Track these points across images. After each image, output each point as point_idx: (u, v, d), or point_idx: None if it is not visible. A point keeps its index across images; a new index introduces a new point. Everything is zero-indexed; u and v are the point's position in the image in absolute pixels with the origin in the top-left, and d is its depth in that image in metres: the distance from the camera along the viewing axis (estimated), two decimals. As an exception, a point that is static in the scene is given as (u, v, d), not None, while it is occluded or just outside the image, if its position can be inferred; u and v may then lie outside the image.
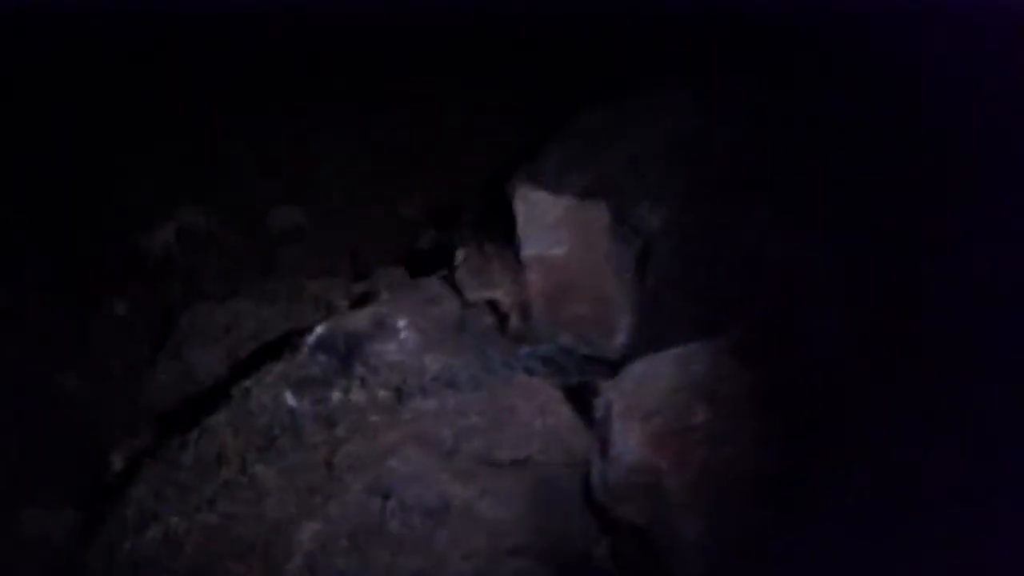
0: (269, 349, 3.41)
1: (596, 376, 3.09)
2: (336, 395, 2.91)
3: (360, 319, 3.03)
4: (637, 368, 3.05)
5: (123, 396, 4.10)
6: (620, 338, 3.42)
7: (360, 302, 3.81)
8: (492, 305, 3.23)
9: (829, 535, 2.76)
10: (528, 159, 4.08)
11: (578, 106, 4.10)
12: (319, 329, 3.02)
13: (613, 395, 2.97)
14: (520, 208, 3.42)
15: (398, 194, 5.01)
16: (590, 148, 3.88)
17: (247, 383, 2.98)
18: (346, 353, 2.98)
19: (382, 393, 2.86)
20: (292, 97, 4.84)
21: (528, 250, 3.34)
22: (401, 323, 3.01)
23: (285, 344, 3.23)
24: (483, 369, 2.98)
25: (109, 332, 4.45)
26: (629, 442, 2.91)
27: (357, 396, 2.89)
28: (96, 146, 4.79)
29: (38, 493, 3.61)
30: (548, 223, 3.42)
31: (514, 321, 3.24)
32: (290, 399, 2.89)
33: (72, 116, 4.57)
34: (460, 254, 3.36)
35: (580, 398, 3.02)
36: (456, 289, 3.26)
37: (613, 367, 3.14)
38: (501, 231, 3.42)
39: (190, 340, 3.97)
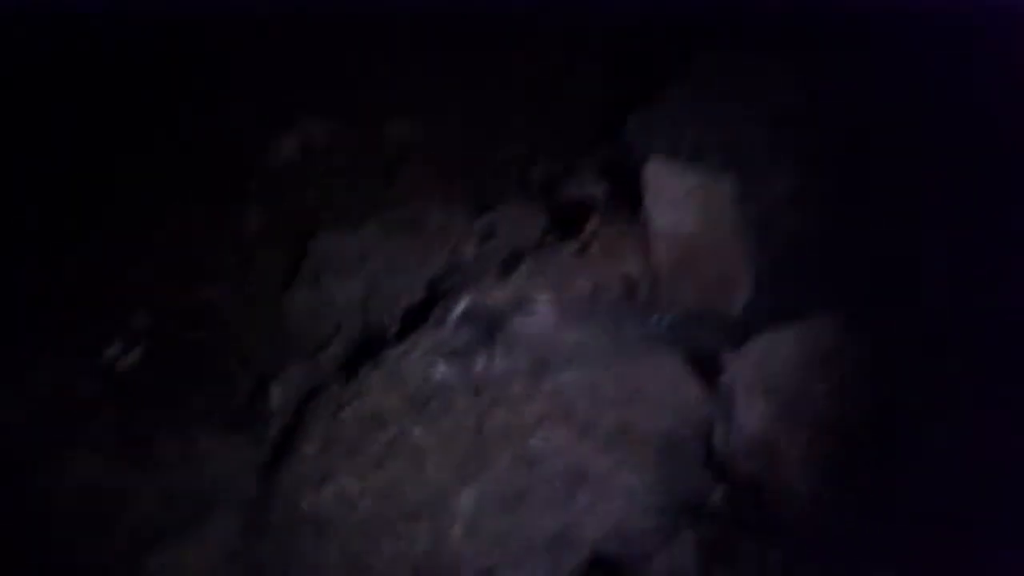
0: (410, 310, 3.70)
1: (721, 345, 3.28)
2: (480, 365, 3.19)
3: (501, 293, 3.27)
4: (761, 342, 3.24)
5: (268, 319, 4.38)
6: (742, 308, 3.60)
7: (484, 239, 4.07)
8: (622, 277, 3.43)
9: (941, 496, 2.86)
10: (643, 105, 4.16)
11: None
12: (463, 303, 3.28)
13: (737, 368, 3.19)
14: (648, 180, 3.56)
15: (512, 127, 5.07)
16: (708, 111, 3.96)
17: (398, 350, 3.27)
18: (489, 326, 3.24)
19: (523, 366, 3.13)
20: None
21: (657, 223, 3.51)
22: (540, 298, 3.24)
23: (427, 307, 3.51)
24: (615, 343, 3.21)
25: (244, 248, 4.69)
26: (751, 414, 3.14)
27: (500, 367, 3.16)
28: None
29: (207, 416, 3.95)
30: (676, 197, 3.56)
31: (643, 292, 3.44)
32: (440, 367, 3.18)
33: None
34: (590, 226, 3.55)
35: (706, 369, 3.23)
36: (587, 261, 3.46)
37: (736, 336, 3.32)
38: (627, 201, 3.57)
39: (325, 268, 4.26)
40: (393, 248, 4.23)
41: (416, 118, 5.03)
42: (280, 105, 4.99)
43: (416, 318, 3.52)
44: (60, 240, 4.51)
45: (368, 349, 3.56)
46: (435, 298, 3.80)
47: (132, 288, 4.36)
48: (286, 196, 4.79)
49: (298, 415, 3.49)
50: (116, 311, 4.37)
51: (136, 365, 4.18)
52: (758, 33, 4.11)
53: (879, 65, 3.66)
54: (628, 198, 3.42)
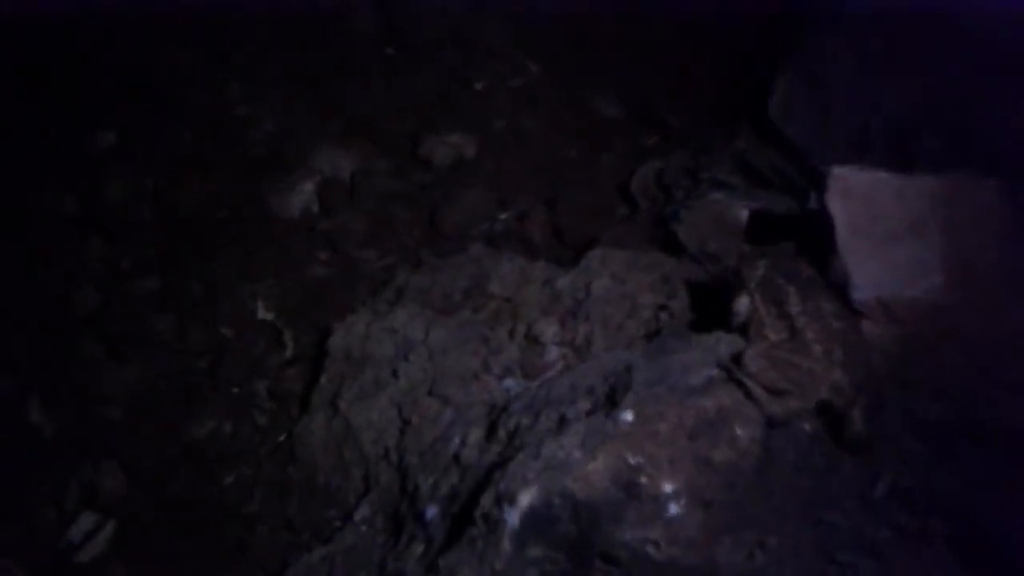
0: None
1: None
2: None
3: (598, 471, 1.71)
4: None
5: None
6: None
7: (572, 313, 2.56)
8: (813, 405, 1.81)
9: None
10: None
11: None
12: (528, 495, 1.75)
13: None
14: (839, 209, 1.89)
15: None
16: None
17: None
18: (577, 542, 1.70)
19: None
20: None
21: (864, 289, 1.84)
22: (667, 487, 1.67)
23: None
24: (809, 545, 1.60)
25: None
26: None
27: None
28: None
29: None
30: (893, 230, 1.88)
31: (853, 426, 1.81)
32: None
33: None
34: (742, 305, 1.93)
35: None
36: (741, 383, 1.85)
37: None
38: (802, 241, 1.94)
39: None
40: (438, 336, 2.75)
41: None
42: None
43: (462, 500, 2.01)
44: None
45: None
46: (494, 430, 2.31)
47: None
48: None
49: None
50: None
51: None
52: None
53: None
54: (803, 232, 1.80)
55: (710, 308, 2.40)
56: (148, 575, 2.94)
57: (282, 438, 3.11)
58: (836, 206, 1.93)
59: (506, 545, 1.80)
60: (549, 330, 2.72)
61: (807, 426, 1.85)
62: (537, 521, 1.81)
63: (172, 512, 3.06)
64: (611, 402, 2.01)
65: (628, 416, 1.83)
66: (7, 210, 3.63)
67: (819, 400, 1.84)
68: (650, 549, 1.73)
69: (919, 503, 1.78)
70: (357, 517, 2.62)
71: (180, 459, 3.19)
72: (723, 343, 1.98)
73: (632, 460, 1.76)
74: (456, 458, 2.41)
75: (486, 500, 1.91)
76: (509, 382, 2.64)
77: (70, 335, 3.44)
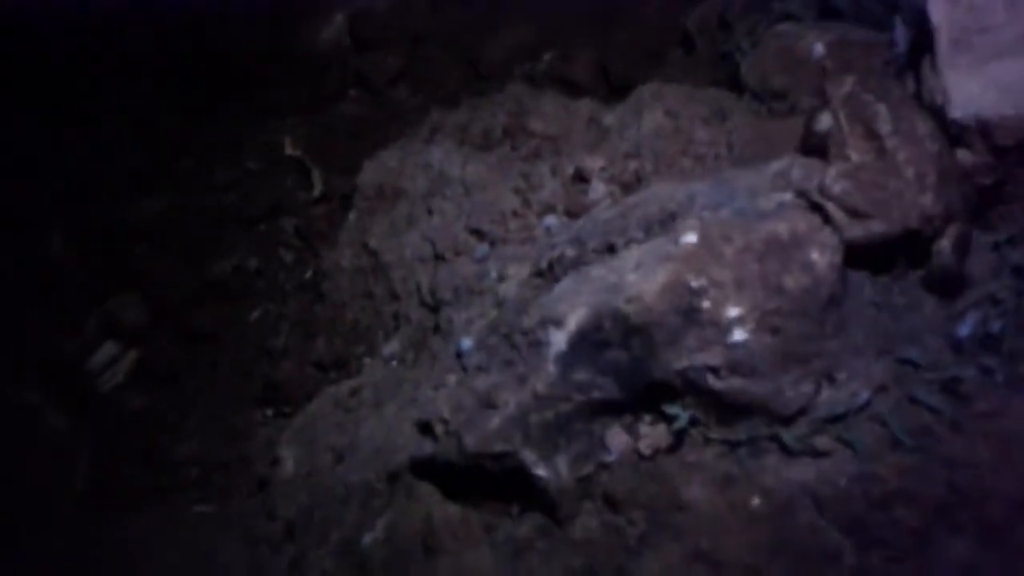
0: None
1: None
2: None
3: (648, 295, 1.55)
4: None
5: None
6: None
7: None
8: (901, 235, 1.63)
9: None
10: None
11: None
12: (571, 320, 1.60)
13: None
14: (942, 16, 1.67)
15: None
16: None
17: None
18: (627, 365, 1.56)
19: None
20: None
21: (964, 107, 1.63)
22: (732, 312, 1.52)
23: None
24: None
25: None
26: None
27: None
28: None
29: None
30: (1002, 44, 1.65)
31: (945, 259, 1.63)
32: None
33: None
34: (823, 123, 1.72)
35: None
36: (819, 207, 1.67)
37: None
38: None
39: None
40: (476, 172, 2.60)
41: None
42: None
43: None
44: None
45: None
46: (536, 264, 2.17)
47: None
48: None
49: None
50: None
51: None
52: None
53: None
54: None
55: (776, 147, 2.20)
56: (169, 406, 2.86)
57: (308, 274, 2.98)
58: (939, 13, 1.69)
59: (550, 368, 1.66)
60: (595, 166, 2.53)
61: (890, 254, 1.66)
62: (585, 344, 1.67)
63: (194, 345, 2.97)
64: (666, 228, 1.83)
65: (691, 237, 1.66)
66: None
67: (906, 227, 1.65)
68: (709, 377, 1.58)
69: (1007, 347, 1.61)
70: (386, 352, 2.51)
71: (203, 293, 3.09)
72: (797, 166, 1.79)
73: (694, 283, 1.60)
74: (494, 292, 2.26)
75: (528, 322, 1.77)
76: (551, 220, 2.47)
77: (92, 165, 3.30)
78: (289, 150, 3.33)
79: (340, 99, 3.46)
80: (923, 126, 1.72)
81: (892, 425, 1.55)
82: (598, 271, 1.76)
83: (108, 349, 2.96)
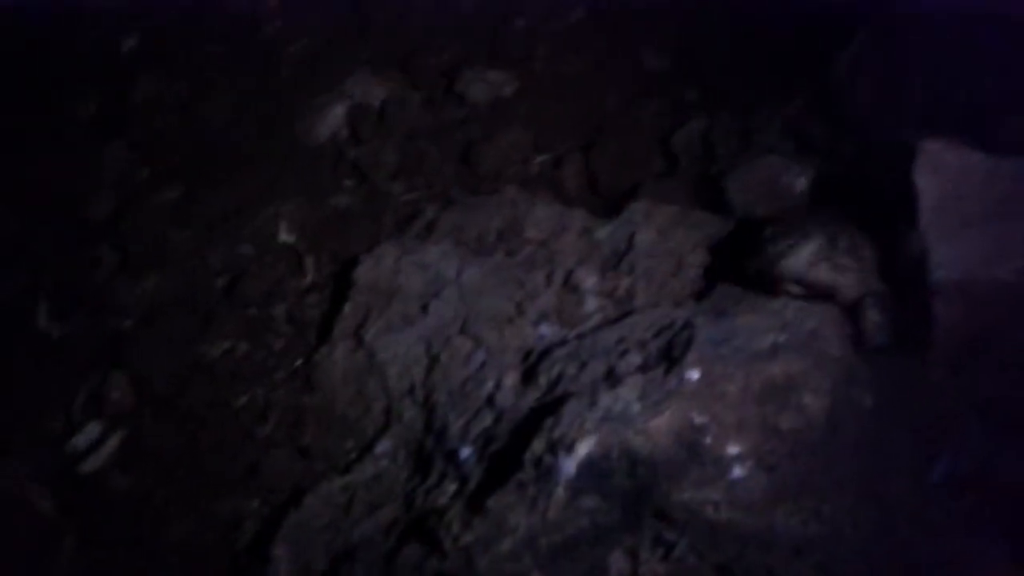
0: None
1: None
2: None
3: (658, 424, 1.66)
4: None
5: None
6: None
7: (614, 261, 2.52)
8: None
9: None
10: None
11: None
12: (585, 445, 1.70)
13: None
14: (926, 183, 1.83)
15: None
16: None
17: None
18: (634, 495, 1.66)
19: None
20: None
21: (944, 267, 1.79)
22: (732, 450, 1.63)
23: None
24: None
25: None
26: None
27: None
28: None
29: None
30: (979, 211, 1.82)
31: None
32: None
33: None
34: (807, 251, 1.88)
35: None
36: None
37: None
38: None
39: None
40: (472, 276, 2.69)
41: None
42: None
43: (502, 439, 1.96)
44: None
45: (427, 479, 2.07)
46: (533, 375, 2.26)
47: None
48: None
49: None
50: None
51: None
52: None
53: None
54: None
55: (757, 273, 2.34)
56: (152, 490, 2.87)
57: (299, 363, 3.04)
58: (924, 180, 1.87)
59: (560, 493, 1.76)
60: (589, 279, 2.66)
61: (868, 402, 1.80)
62: (593, 472, 1.77)
63: (180, 428, 2.99)
64: (668, 358, 1.95)
65: (694, 374, 1.78)
66: (28, 110, 3.50)
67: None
68: (708, 510, 1.69)
69: (978, 485, 1.75)
70: (378, 450, 2.57)
71: (191, 376, 3.11)
72: (790, 309, 1.93)
73: (698, 420, 1.72)
74: (490, 400, 2.36)
75: (538, 445, 1.86)
76: (545, 328, 2.58)
77: (85, 241, 3.34)
78: (283, 237, 3.40)
79: (336, 189, 3.55)
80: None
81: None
82: (605, 399, 1.87)
83: (93, 429, 2.97)
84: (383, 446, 2.59)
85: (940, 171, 1.89)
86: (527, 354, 2.47)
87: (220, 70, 3.65)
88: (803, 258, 2.09)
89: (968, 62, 2.52)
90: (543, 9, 3.98)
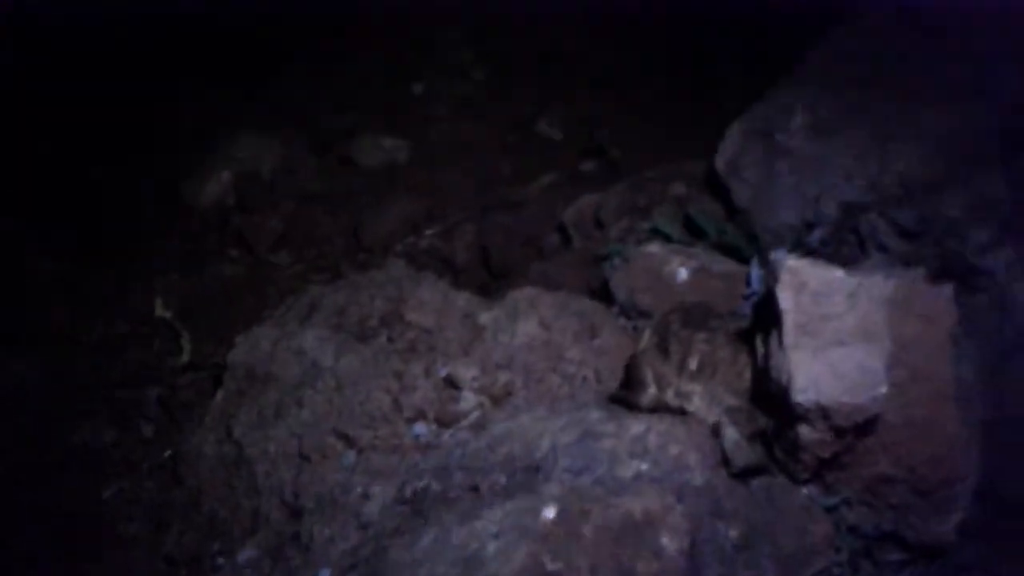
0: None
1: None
2: None
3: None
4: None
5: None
6: (958, 518, 1.88)
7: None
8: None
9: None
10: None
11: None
12: None
13: None
14: (789, 304, 1.80)
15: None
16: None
17: None
18: None
19: None
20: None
21: (806, 391, 1.75)
22: None
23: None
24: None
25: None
26: None
27: None
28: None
29: None
30: (842, 333, 1.79)
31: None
32: None
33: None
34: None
35: None
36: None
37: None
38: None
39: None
40: (350, 365, 2.59)
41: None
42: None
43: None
44: None
45: None
46: (401, 487, 2.17)
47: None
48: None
49: None
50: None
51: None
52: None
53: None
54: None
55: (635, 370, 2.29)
56: (13, 579, 2.69)
57: (167, 454, 2.89)
58: (787, 301, 1.83)
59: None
60: (468, 374, 2.57)
61: (733, 534, 1.75)
62: None
63: (45, 524, 2.81)
64: (529, 483, 1.87)
65: (550, 513, 1.70)
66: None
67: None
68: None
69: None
70: (241, 559, 2.44)
71: (56, 463, 2.94)
72: (653, 433, 1.87)
73: (551, 566, 1.63)
74: (357, 512, 2.25)
75: (389, 579, 1.76)
76: (420, 427, 2.49)
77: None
78: (159, 311, 3.25)
79: (219, 259, 3.42)
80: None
81: None
82: (459, 535, 1.77)
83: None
84: (247, 553, 2.45)
85: (803, 291, 1.85)
86: (399, 458, 2.37)
87: (99, 127, 3.49)
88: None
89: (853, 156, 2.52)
90: (444, 71, 3.92)
